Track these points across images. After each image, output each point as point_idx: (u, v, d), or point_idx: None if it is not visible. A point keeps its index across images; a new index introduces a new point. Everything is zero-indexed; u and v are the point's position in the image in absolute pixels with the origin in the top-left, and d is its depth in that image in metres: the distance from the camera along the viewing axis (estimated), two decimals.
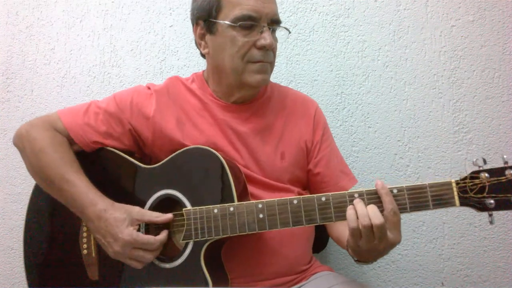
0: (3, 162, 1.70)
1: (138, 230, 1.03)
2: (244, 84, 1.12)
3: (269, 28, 1.09)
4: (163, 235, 1.03)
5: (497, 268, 1.45)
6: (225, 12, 1.09)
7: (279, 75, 1.59)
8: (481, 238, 1.46)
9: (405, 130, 1.52)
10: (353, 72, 1.56)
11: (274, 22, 1.11)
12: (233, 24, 1.07)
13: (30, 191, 1.22)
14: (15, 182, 1.68)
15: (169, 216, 1.04)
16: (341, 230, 1.12)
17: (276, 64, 1.55)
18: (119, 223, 1.00)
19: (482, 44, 1.50)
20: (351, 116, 1.55)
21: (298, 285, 1.13)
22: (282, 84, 1.55)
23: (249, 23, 1.07)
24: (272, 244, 1.09)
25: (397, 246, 1.47)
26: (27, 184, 1.20)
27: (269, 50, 1.10)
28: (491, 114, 1.48)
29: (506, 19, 1.49)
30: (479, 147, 1.47)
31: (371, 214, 0.88)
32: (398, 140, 1.52)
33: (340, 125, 1.55)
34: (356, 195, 0.93)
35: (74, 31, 1.71)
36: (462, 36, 1.51)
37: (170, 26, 1.67)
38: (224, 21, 1.08)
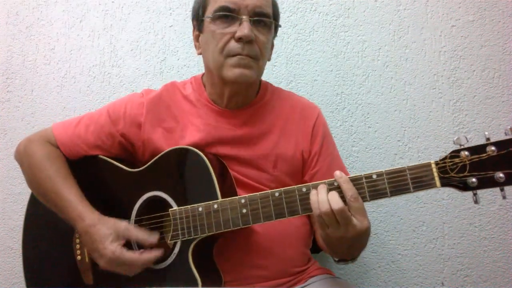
0: (3, 162, 1.70)
1: (129, 245, 1.03)
2: (225, 80, 1.09)
3: (250, 20, 1.05)
4: (147, 255, 1.01)
5: (497, 268, 1.45)
6: (209, 8, 1.09)
7: (279, 75, 1.59)
8: (481, 238, 1.46)
9: (405, 130, 1.52)
10: (353, 72, 1.56)
11: (257, 15, 1.06)
12: (212, 17, 1.07)
13: (30, 192, 1.23)
14: (15, 182, 1.69)
15: (154, 238, 1.03)
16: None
17: (276, 64, 1.57)
18: (103, 239, 1.01)
19: (482, 44, 1.50)
20: (351, 116, 1.55)
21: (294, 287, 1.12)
22: (282, 84, 1.56)
23: (225, 14, 1.05)
24: (265, 246, 1.08)
25: (397, 246, 1.49)
26: (27, 184, 1.21)
27: (250, 44, 1.05)
28: (491, 114, 1.48)
29: (506, 19, 1.49)
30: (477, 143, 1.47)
31: (331, 199, 0.89)
32: (398, 140, 1.52)
33: (340, 125, 1.55)
34: (335, 183, 0.92)
35: (74, 31, 1.71)
36: (462, 36, 1.51)
37: (170, 26, 1.67)
38: (207, 16, 1.08)
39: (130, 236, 1.03)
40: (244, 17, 1.05)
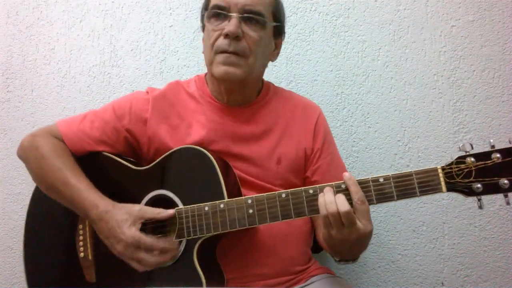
0: (3, 162, 1.70)
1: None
2: (215, 77, 1.12)
3: (239, 18, 1.07)
4: (166, 241, 1.02)
5: (497, 268, 1.45)
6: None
7: (279, 75, 1.59)
8: (481, 238, 1.46)
9: (405, 130, 1.52)
10: (353, 72, 1.56)
11: (247, 12, 1.08)
12: (206, 15, 1.12)
13: (30, 191, 1.23)
14: (15, 182, 1.68)
15: (170, 212, 1.04)
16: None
17: (276, 64, 1.57)
18: (121, 224, 1.00)
19: (482, 44, 1.50)
20: (351, 116, 1.55)
21: (295, 287, 1.12)
22: (282, 84, 1.56)
23: (216, 11, 1.09)
24: (266, 244, 1.09)
25: (397, 246, 1.49)
26: (27, 184, 1.21)
27: (238, 40, 1.07)
28: (491, 114, 1.48)
29: (506, 19, 1.49)
30: (479, 147, 1.46)
31: (338, 202, 0.90)
32: (398, 140, 1.52)
33: (340, 125, 1.55)
34: (343, 185, 0.94)
35: (74, 31, 1.71)
36: (462, 36, 1.51)
37: (170, 26, 1.67)
38: (204, 16, 1.13)
39: (146, 216, 1.03)
40: (233, 14, 1.07)
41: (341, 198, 0.91)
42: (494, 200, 1.45)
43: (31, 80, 1.72)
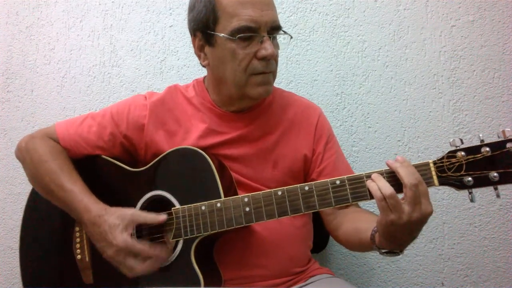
0: (3, 162, 1.70)
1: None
2: (246, 96, 1.10)
3: (269, 37, 1.05)
4: (158, 249, 1.01)
5: (497, 268, 1.45)
6: (222, 24, 1.05)
7: (279, 75, 1.57)
8: (481, 238, 1.46)
9: (405, 130, 1.52)
10: (353, 72, 1.56)
11: (274, 29, 1.07)
12: (231, 37, 1.03)
13: (30, 192, 1.23)
14: (15, 182, 1.69)
15: (162, 217, 1.04)
16: (353, 227, 1.08)
17: None
18: (113, 229, 1.00)
19: (482, 44, 1.50)
20: (351, 116, 1.55)
21: (294, 287, 1.12)
22: (282, 84, 1.56)
23: (248, 35, 1.04)
24: (265, 245, 1.08)
25: None
26: (27, 184, 1.20)
27: (271, 60, 1.07)
28: (491, 114, 1.48)
29: (506, 19, 1.49)
30: None
31: (389, 186, 0.87)
32: (398, 140, 1.52)
33: (340, 125, 1.55)
34: (337, 182, 0.93)
35: (74, 31, 1.71)
36: (462, 36, 1.51)
37: (170, 26, 1.67)
38: (222, 34, 1.05)
39: (138, 221, 1.03)
40: (265, 35, 1.05)
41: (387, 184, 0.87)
42: (494, 200, 1.45)
43: (31, 80, 1.72)
